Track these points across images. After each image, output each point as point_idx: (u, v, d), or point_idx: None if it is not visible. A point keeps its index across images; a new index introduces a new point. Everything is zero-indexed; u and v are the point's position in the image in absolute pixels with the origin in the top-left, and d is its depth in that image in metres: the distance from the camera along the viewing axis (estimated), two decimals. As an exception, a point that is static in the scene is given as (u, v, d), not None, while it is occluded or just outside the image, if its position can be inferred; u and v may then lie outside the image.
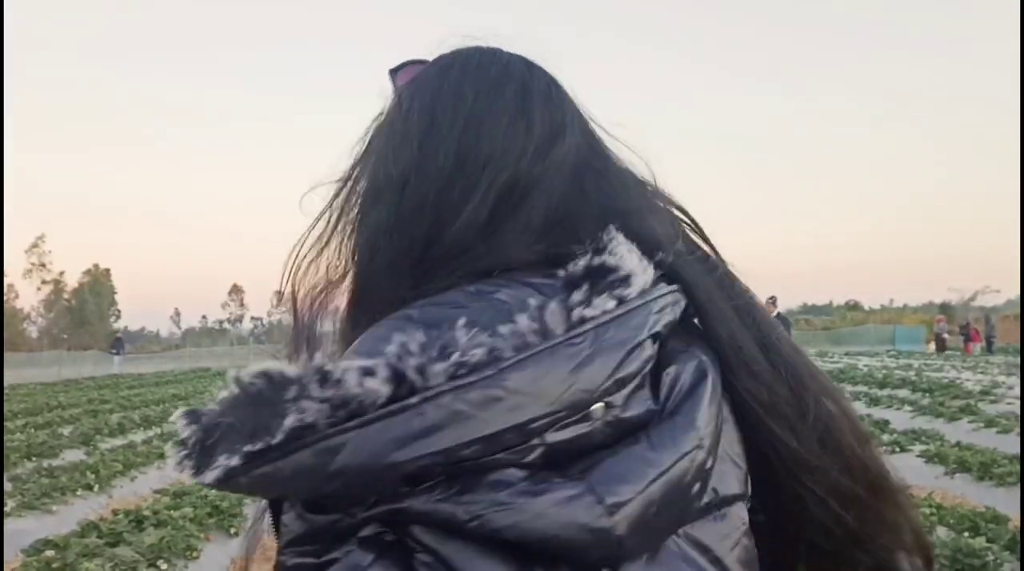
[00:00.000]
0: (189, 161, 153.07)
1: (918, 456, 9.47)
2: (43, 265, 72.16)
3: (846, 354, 39.99)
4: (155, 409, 17.41)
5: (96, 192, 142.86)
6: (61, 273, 74.03)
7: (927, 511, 6.03)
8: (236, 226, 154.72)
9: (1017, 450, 8.95)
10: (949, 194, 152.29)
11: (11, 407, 19.17)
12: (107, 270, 78.60)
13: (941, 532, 5.68)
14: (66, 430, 14.03)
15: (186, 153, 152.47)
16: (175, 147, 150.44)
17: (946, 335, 39.70)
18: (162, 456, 10.93)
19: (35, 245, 71.98)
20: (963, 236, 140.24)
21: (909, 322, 57.49)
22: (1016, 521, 5.72)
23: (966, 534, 5.38)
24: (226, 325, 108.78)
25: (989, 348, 38.86)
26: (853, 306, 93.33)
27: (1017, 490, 7.36)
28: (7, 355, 45.93)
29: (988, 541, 5.24)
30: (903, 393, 16.81)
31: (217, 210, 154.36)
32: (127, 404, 19.55)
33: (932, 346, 45.75)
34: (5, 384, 32.53)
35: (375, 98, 0.96)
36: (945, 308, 65.50)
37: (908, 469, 8.92)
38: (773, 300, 16.61)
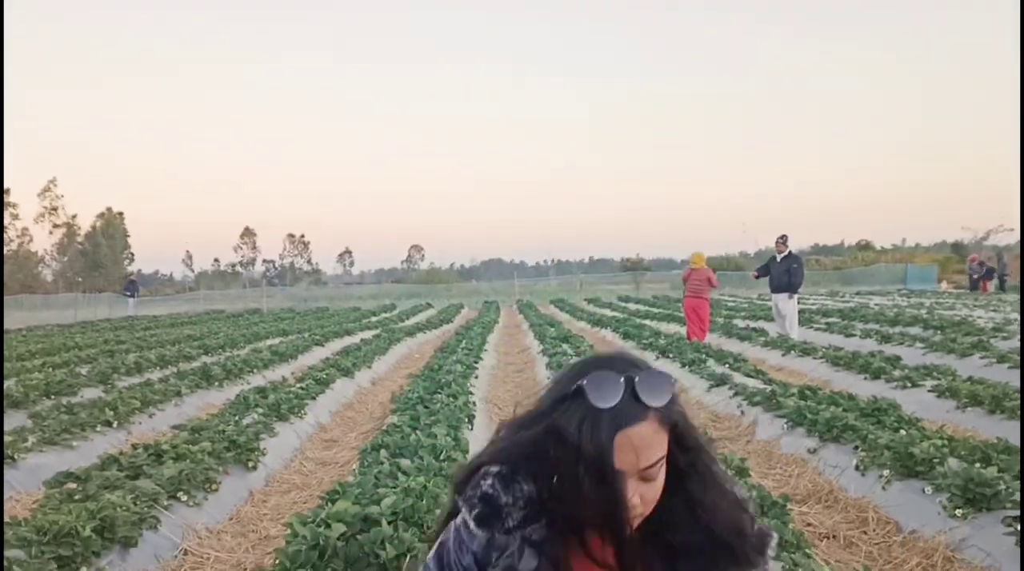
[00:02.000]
0: (200, 102, 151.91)
1: (929, 391, 9.49)
2: (55, 209, 72.24)
3: (857, 294, 39.91)
4: (171, 349, 17.55)
5: (108, 136, 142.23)
6: (74, 217, 74.10)
7: (938, 443, 6.05)
8: (248, 169, 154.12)
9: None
10: (963, 132, 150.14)
11: (29, 347, 19.37)
12: (120, 213, 78.59)
13: (952, 463, 5.71)
14: (84, 369, 14.19)
15: (197, 94, 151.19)
16: (188, 86, 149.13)
17: (975, 276, 39.14)
18: (179, 394, 11.07)
19: (47, 189, 72.00)
20: (977, 174, 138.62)
21: (921, 261, 57.11)
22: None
23: (977, 465, 5.40)
24: (239, 268, 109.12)
25: (1001, 286, 38.66)
26: (864, 246, 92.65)
27: (1028, 423, 7.39)
28: (24, 297, 46.26)
29: (999, 471, 5.27)
30: (914, 330, 16.79)
31: (229, 153, 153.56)
32: (143, 344, 19.72)
33: (945, 285, 45.54)
34: (23, 325, 32.86)
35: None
36: (958, 247, 65.00)
37: (919, 404, 8.96)
38: (784, 239, 16.53)
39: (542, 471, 1.62)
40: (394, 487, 5.10)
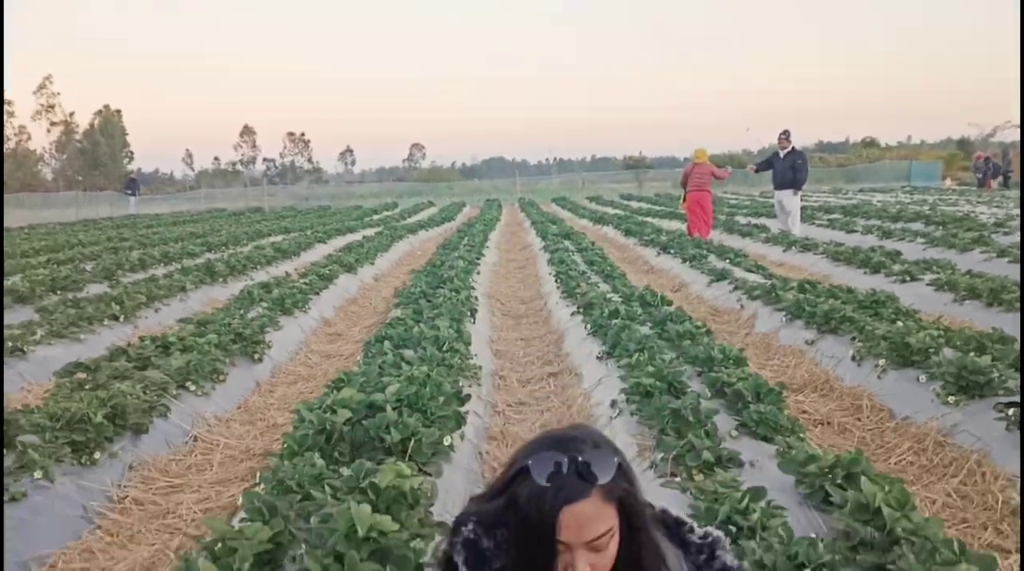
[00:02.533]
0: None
1: (928, 285, 9.55)
2: (52, 107, 71.32)
3: (860, 191, 39.72)
4: (174, 246, 17.62)
5: (103, 31, 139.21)
6: (71, 114, 73.24)
7: (934, 333, 6.13)
8: (247, 67, 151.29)
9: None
10: (969, 28, 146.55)
11: (32, 245, 19.44)
12: (118, 111, 77.59)
13: (947, 353, 5.79)
14: (88, 266, 14.27)
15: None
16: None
17: (981, 174, 38.63)
18: (183, 289, 11.16)
19: (43, 86, 70.96)
20: (983, 71, 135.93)
21: (926, 158, 56.57)
22: None
23: (972, 354, 5.48)
24: (239, 167, 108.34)
25: (1005, 183, 38.43)
26: (869, 143, 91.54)
27: (1025, 315, 7.46)
28: (24, 196, 46.10)
29: (993, 360, 5.35)
30: (916, 226, 16.79)
31: (228, 50, 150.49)
32: (146, 242, 19.79)
33: (949, 182, 45.25)
34: (24, 224, 32.86)
35: None
36: (964, 144, 64.33)
37: (917, 297, 9.03)
38: (786, 134, 16.29)
39: (507, 542, 1.77)
40: (398, 376, 5.20)
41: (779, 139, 16.43)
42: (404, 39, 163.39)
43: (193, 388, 6.16)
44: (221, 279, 12.43)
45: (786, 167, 16.15)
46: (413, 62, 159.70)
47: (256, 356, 7.41)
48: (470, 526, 1.81)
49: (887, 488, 3.15)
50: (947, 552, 2.71)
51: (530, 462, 1.69)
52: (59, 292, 10.92)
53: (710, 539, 2.01)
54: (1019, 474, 4.19)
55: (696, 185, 16.42)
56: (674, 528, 2.01)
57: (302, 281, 11.40)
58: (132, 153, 79.90)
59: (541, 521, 1.65)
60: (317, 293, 10.81)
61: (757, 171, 17.83)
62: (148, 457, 5.09)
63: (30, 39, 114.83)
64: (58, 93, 71.83)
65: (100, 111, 76.35)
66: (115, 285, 11.77)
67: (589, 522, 1.65)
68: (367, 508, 2.96)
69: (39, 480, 4.17)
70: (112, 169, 72.31)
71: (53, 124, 71.88)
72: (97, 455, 4.66)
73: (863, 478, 3.23)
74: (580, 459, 1.67)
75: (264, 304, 9.37)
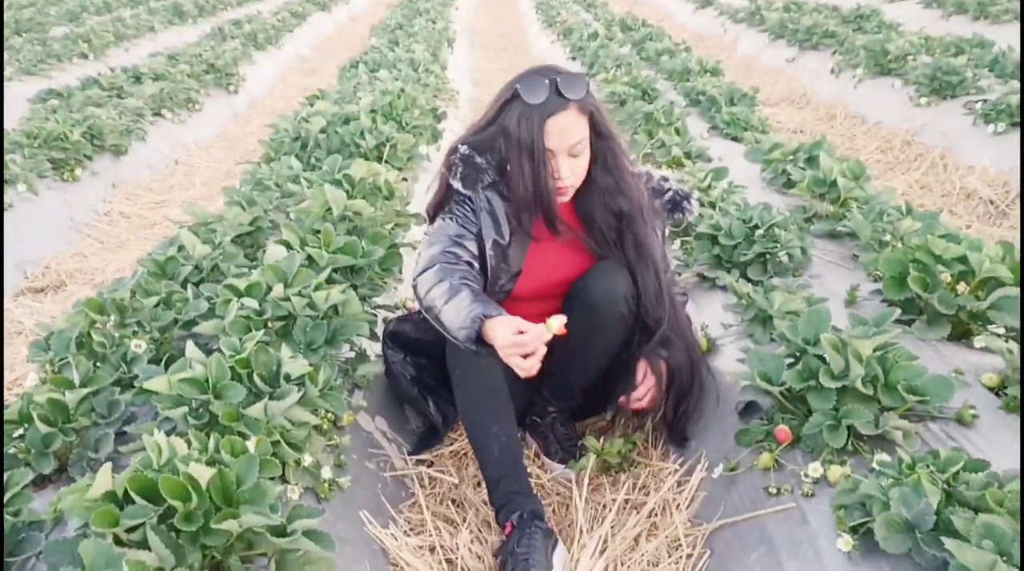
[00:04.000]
0: None
1: (917, 3, 9.29)
2: None
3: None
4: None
5: None
6: None
7: (915, 40, 6.05)
8: None
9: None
10: None
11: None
12: None
13: (925, 59, 5.75)
14: (52, 9, 13.70)
15: None
16: None
17: None
18: (152, 29, 10.81)
19: None
20: None
21: None
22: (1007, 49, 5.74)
23: (949, 57, 5.45)
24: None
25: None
26: None
27: (1011, 25, 7.35)
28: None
29: (969, 61, 5.33)
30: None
31: None
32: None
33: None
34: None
35: None
36: None
37: (905, 16, 8.82)
38: None
39: (496, 164, 2.12)
40: (372, 92, 5.17)
41: None
42: None
43: (169, 116, 6.15)
44: (191, 20, 11.98)
45: None
46: None
47: (231, 87, 7.32)
48: (464, 147, 2.13)
49: (844, 163, 3.25)
50: (895, 213, 2.85)
51: (519, 85, 2.01)
52: (23, 34, 10.56)
53: (681, 192, 2.34)
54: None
55: None
56: (655, 179, 2.26)
57: (275, 18, 11.03)
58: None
59: (530, 133, 1.99)
60: (290, 30, 10.52)
61: None
62: (130, 177, 5.17)
63: None
64: None
65: None
66: (81, 26, 11.37)
67: (568, 130, 2.01)
68: (342, 192, 3.06)
69: (23, 193, 4.25)
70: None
71: None
72: (78, 172, 4.72)
73: (822, 155, 3.33)
74: (559, 79, 2.01)
75: (237, 40, 9.13)
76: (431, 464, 2.36)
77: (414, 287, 2.11)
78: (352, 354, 2.45)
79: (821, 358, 1.97)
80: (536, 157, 2.00)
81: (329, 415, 2.15)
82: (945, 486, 1.64)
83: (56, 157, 4.67)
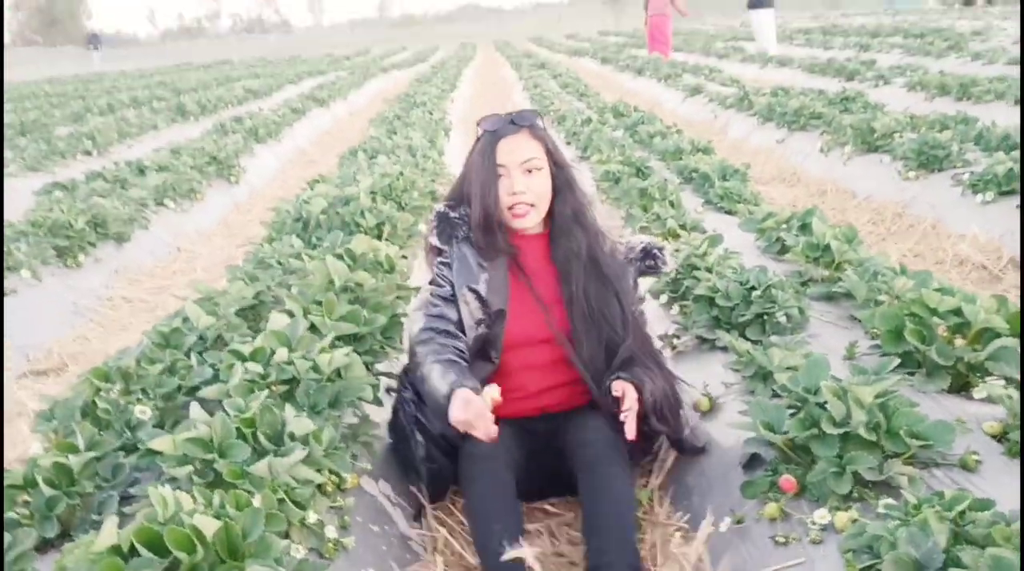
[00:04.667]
0: None
1: (901, 87, 9.56)
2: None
3: (842, 16, 38.86)
4: (143, 92, 17.28)
5: None
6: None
7: (900, 118, 6.20)
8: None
9: (998, 72, 9.04)
10: None
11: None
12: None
13: (911, 135, 5.88)
14: (57, 112, 14.04)
15: None
16: None
17: None
18: (155, 127, 11.05)
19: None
20: None
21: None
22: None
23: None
24: (204, 22, 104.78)
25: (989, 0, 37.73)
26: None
27: (993, 105, 7.55)
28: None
29: (953, 136, 5.46)
30: (895, 39, 16.59)
31: None
32: (114, 90, 19.37)
33: (932, 2, 44.32)
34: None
35: None
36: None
37: (889, 98, 9.05)
38: None
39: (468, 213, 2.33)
40: (371, 175, 5.28)
41: None
42: None
43: (172, 205, 6.25)
44: (193, 118, 12.28)
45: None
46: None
47: (232, 178, 7.46)
48: (441, 206, 2.39)
49: (837, 229, 3.32)
50: (889, 273, 2.89)
51: (479, 122, 2.35)
52: (28, 134, 10.80)
53: (653, 243, 2.50)
54: None
55: (656, 10, 16.39)
56: (627, 238, 2.41)
57: (275, 115, 11.31)
58: (91, 11, 77.07)
59: (484, 153, 2.26)
60: (290, 125, 10.78)
61: None
62: (133, 264, 5.23)
63: None
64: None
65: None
66: (84, 125, 11.63)
67: (519, 147, 2.26)
68: (344, 265, 3.11)
69: (27, 279, 4.30)
70: (71, 27, 69.79)
71: (5, -19, 68.86)
72: (81, 258, 4.79)
73: (815, 221, 3.39)
74: (513, 113, 2.34)
75: (237, 135, 9.34)
76: (443, 523, 2.34)
77: (419, 379, 2.23)
78: (356, 420, 2.45)
79: (822, 406, 1.98)
80: (488, 171, 2.24)
81: (333, 477, 2.15)
82: (952, 525, 1.63)
83: (60, 245, 4.74)
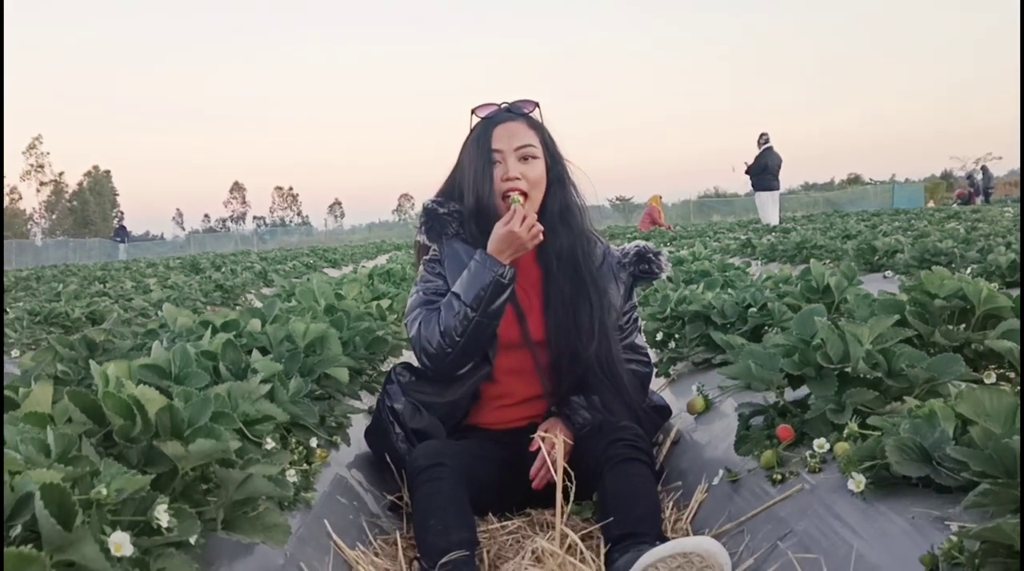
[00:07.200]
0: (182, 61, 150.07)
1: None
2: (41, 166, 71.79)
3: (844, 216, 40.06)
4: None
5: (93, 93, 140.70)
6: (60, 174, 73.71)
7: (900, 237, 6.25)
8: (234, 124, 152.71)
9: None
10: (946, 74, 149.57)
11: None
12: (107, 171, 78.10)
13: (910, 249, 5.90)
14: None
15: (180, 46, 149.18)
16: (168, 43, 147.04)
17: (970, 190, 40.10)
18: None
19: (32, 146, 71.47)
20: (963, 113, 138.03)
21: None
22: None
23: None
24: (229, 224, 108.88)
25: (987, 199, 38.97)
26: (854, 179, 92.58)
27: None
28: (12, 243, 46.16)
29: (952, 244, 5.49)
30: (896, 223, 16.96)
31: (215, 107, 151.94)
32: (140, 275, 19.82)
33: (932, 203, 45.82)
34: (9, 272, 32.84)
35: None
36: (946, 176, 65.01)
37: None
38: (765, 138, 16.46)
39: (458, 208, 2.23)
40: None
41: (758, 142, 16.57)
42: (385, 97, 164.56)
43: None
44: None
45: (761, 166, 16.32)
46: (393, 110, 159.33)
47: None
48: (429, 202, 2.28)
49: (834, 268, 3.27)
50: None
51: (472, 109, 2.28)
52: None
53: (649, 247, 2.41)
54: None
55: (642, 222, 19.13)
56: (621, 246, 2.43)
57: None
58: (122, 213, 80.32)
59: (478, 138, 2.20)
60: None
61: (735, 170, 18.05)
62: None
63: (19, 99, 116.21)
64: (47, 153, 72.28)
65: (89, 172, 76.83)
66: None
67: (515, 133, 2.20)
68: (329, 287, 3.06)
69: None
70: (102, 228, 72.52)
71: (43, 184, 72.30)
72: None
73: (812, 263, 3.34)
74: (510, 101, 2.27)
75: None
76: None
77: (424, 350, 2.09)
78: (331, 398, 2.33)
79: (819, 349, 1.88)
80: (482, 157, 2.17)
81: (300, 449, 2.01)
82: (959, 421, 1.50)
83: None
